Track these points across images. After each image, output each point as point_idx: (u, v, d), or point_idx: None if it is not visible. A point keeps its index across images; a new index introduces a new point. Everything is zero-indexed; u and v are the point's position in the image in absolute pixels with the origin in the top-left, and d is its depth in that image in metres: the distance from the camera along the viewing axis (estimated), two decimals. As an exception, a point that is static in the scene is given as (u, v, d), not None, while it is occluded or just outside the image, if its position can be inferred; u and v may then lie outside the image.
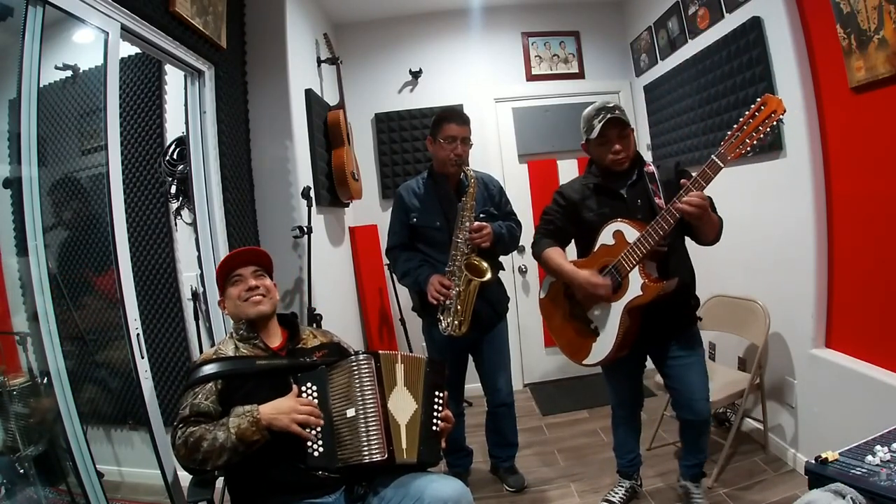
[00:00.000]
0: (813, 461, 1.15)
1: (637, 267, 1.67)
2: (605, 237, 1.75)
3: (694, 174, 1.57)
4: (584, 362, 1.87)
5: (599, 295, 1.74)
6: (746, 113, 1.48)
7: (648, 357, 1.97)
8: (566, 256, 1.87)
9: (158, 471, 1.59)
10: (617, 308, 1.72)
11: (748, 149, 1.47)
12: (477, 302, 2.02)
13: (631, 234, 1.68)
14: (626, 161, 1.80)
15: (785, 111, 1.43)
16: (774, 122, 1.43)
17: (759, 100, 1.47)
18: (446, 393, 1.53)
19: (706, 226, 1.64)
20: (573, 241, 1.95)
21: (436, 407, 1.47)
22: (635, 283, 1.68)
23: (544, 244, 1.90)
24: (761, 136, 1.45)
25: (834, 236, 2.05)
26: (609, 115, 1.74)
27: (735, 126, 1.49)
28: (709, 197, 1.65)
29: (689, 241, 1.84)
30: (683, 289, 1.78)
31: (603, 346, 1.79)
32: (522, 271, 3.57)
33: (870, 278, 1.90)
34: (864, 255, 1.92)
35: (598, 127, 1.75)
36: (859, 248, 1.94)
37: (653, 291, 1.65)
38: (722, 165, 1.49)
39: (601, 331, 1.79)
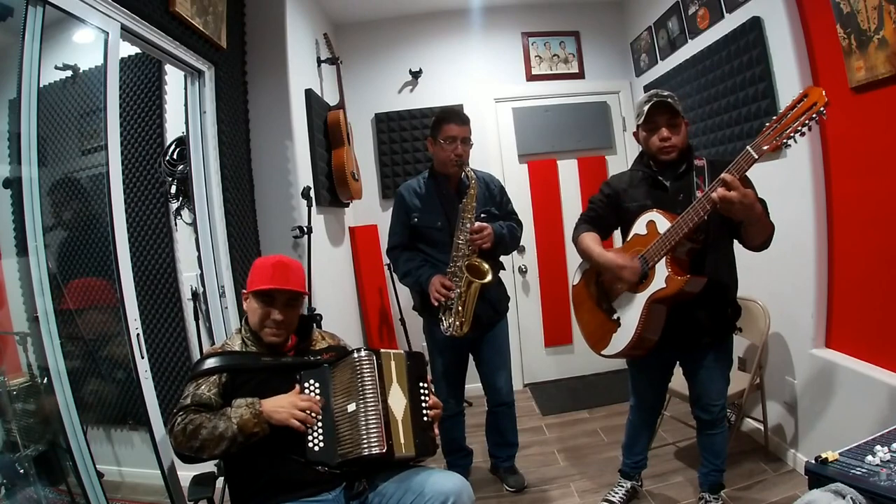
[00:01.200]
0: (813, 461, 1.15)
1: (664, 258, 1.64)
2: (639, 227, 1.74)
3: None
4: (602, 353, 1.86)
5: (625, 277, 1.70)
6: (787, 105, 1.43)
7: (677, 363, 1.96)
8: (600, 242, 1.85)
9: (158, 471, 1.59)
10: (640, 299, 1.71)
11: (786, 140, 1.41)
12: (477, 302, 2.02)
13: (663, 224, 1.66)
14: (674, 150, 1.74)
15: (827, 103, 1.36)
16: (814, 115, 1.37)
17: (800, 91, 1.42)
18: (429, 381, 1.54)
19: (752, 226, 1.56)
20: (618, 231, 1.92)
21: (422, 398, 1.49)
22: (662, 276, 1.65)
23: (582, 229, 1.89)
24: (800, 128, 1.39)
25: (834, 236, 2.05)
26: (657, 99, 1.72)
27: (774, 117, 1.44)
28: (762, 199, 1.60)
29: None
30: (718, 292, 1.73)
31: (622, 337, 1.78)
32: (522, 271, 3.57)
33: (870, 278, 1.90)
34: (864, 255, 1.92)
35: (646, 110, 1.73)
36: (859, 248, 1.94)
37: (675, 285, 1.62)
38: (756, 157, 1.44)
39: (623, 322, 1.78)
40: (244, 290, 1.56)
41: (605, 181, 1.95)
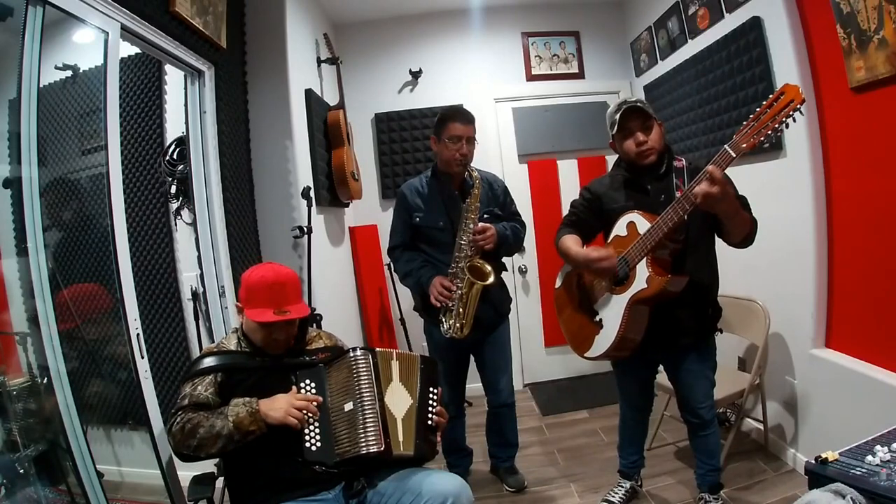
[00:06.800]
0: (813, 461, 1.15)
1: (645, 259, 1.65)
2: (619, 228, 1.74)
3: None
4: (585, 355, 1.86)
5: (602, 267, 1.70)
6: (764, 103, 1.43)
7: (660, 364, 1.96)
8: (580, 243, 1.84)
9: (158, 471, 1.59)
10: (622, 300, 1.71)
11: (763, 138, 1.41)
12: (479, 304, 2.01)
13: (643, 225, 1.66)
14: (652, 153, 1.73)
15: (804, 101, 1.38)
16: (791, 112, 1.38)
17: (777, 89, 1.42)
18: (440, 389, 1.54)
19: (730, 220, 1.56)
20: (601, 234, 1.92)
21: (430, 402, 1.49)
22: (644, 276, 1.65)
23: (563, 232, 1.89)
24: (777, 125, 1.40)
25: (834, 236, 2.05)
26: (627, 106, 1.72)
27: (751, 116, 1.44)
28: (743, 196, 1.62)
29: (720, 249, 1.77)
30: (699, 292, 1.73)
31: (605, 339, 1.78)
32: (523, 271, 3.57)
33: (870, 278, 1.90)
34: (864, 254, 1.92)
35: (617, 118, 1.73)
36: (859, 247, 1.94)
37: (657, 285, 1.62)
38: (734, 155, 1.44)
39: (605, 323, 1.78)
40: (238, 303, 1.54)
41: (585, 186, 1.95)
